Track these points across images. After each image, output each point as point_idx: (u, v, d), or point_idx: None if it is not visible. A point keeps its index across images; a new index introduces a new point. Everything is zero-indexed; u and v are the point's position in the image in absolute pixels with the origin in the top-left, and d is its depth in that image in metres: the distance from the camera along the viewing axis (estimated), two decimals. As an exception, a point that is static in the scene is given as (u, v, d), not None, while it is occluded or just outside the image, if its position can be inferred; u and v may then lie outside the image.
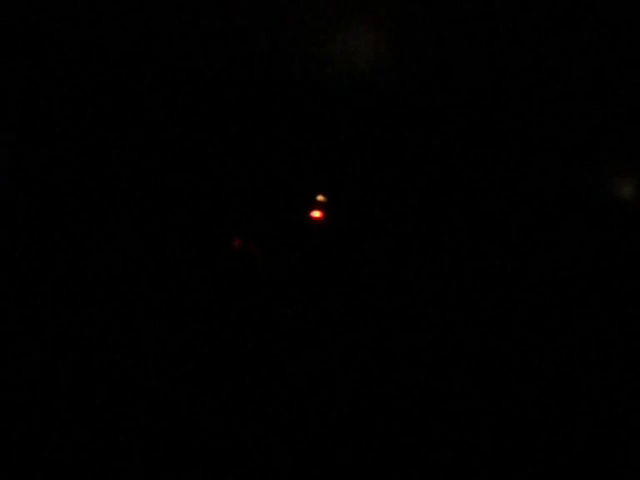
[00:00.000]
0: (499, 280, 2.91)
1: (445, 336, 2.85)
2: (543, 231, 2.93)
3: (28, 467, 2.49)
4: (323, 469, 2.61)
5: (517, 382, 2.77)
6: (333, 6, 2.66)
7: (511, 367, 2.80)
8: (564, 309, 2.85)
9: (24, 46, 2.88)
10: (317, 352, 2.85)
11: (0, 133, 2.86)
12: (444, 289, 2.92)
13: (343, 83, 2.99)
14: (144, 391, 2.70)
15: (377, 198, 3.02)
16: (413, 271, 2.95)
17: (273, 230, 3.03)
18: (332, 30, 2.86)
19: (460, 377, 2.79)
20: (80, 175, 2.92)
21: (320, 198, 3.04)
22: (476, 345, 2.83)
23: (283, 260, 3.01)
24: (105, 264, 2.86)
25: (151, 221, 2.93)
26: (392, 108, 2.99)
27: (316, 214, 3.05)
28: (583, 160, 2.89)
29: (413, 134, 3.00)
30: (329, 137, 3.03)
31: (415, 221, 2.99)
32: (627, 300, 2.81)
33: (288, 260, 3.01)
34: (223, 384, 2.76)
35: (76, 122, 2.94)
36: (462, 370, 2.80)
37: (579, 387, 2.73)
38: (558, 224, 2.92)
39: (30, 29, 2.85)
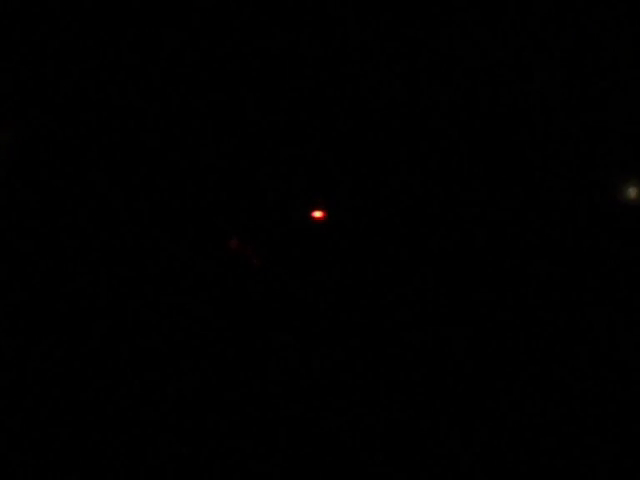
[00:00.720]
0: (500, 281, 2.91)
1: (446, 338, 2.85)
2: (543, 233, 2.92)
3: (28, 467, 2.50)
4: (322, 469, 2.62)
5: (516, 383, 2.77)
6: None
7: (510, 369, 2.80)
8: (565, 310, 2.85)
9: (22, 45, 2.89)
10: (317, 353, 2.85)
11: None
12: (446, 290, 2.92)
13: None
14: (141, 392, 2.70)
15: (380, 198, 3.01)
16: (416, 273, 2.95)
17: (273, 231, 3.03)
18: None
19: (461, 378, 2.79)
20: (77, 174, 2.92)
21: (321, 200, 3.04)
22: (478, 348, 2.83)
23: (283, 261, 3.01)
24: (101, 264, 2.86)
25: (148, 221, 2.93)
26: (393, 106, 2.99)
27: (318, 214, 3.04)
28: (584, 160, 2.89)
29: (415, 133, 2.99)
30: (331, 136, 3.03)
31: (419, 223, 2.98)
32: (628, 300, 2.81)
33: (289, 261, 3.01)
34: (219, 385, 2.76)
35: (75, 122, 2.94)
36: (463, 372, 2.80)
37: (578, 388, 2.73)
38: (558, 225, 2.91)
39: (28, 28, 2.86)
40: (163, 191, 2.96)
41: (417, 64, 2.96)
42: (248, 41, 2.97)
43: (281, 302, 2.93)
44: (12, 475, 2.46)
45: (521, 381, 2.76)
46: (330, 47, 2.98)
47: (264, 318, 2.89)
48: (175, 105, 2.98)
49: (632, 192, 2.82)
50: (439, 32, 2.90)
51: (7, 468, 2.47)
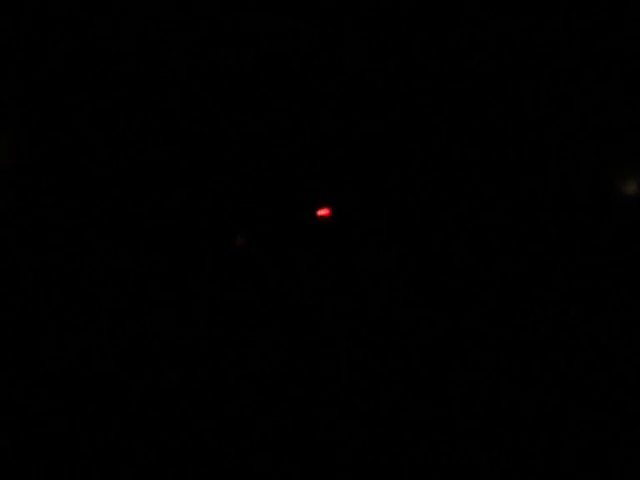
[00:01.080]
0: (501, 280, 2.90)
1: (447, 337, 2.84)
2: (544, 232, 2.90)
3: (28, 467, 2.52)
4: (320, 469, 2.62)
5: (517, 383, 2.75)
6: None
7: (511, 370, 2.78)
8: (566, 307, 2.83)
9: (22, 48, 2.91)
10: (319, 352, 2.85)
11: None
12: (449, 287, 2.91)
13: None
14: (141, 388, 2.72)
15: (384, 196, 3.01)
16: (419, 270, 2.94)
17: (279, 228, 3.03)
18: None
19: (462, 379, 2.77)
20: (81, 173, 2.94)
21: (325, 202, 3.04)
22: (480, 348, 2.81)
23: (288, 258, 3.01)
24: (106, 260, 2.88)
25: (152, 219, 2.95)
26: (396, 103, 2.98)
27: (323, 212, 3.04)
28: (585, 157, 2.86)
29: (417, 131, 2.98)
30: (336, 134, 3.02)
31: (421, 222, 2.97)
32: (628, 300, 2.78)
33: (293, 258, 3.01)
34: (219, 382, 2.77)
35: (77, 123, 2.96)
36: (464, 373, 2.79)
37: (579, 388, 2.71)
38: (559, 223, 2.89)
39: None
40: (165, 190, 2.97)
41: (418, 63, 2.94)
42: (250, 41, 2.98)
43: (283, 300, 2.93)
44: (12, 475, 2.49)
45: (521, 380, 2.75)
46: (332, 47, 2.97)
47: (265, 317, 2.90)
48: (176, 105, 2.99)
49: (631, 189, 2.79)
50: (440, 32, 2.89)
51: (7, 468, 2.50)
